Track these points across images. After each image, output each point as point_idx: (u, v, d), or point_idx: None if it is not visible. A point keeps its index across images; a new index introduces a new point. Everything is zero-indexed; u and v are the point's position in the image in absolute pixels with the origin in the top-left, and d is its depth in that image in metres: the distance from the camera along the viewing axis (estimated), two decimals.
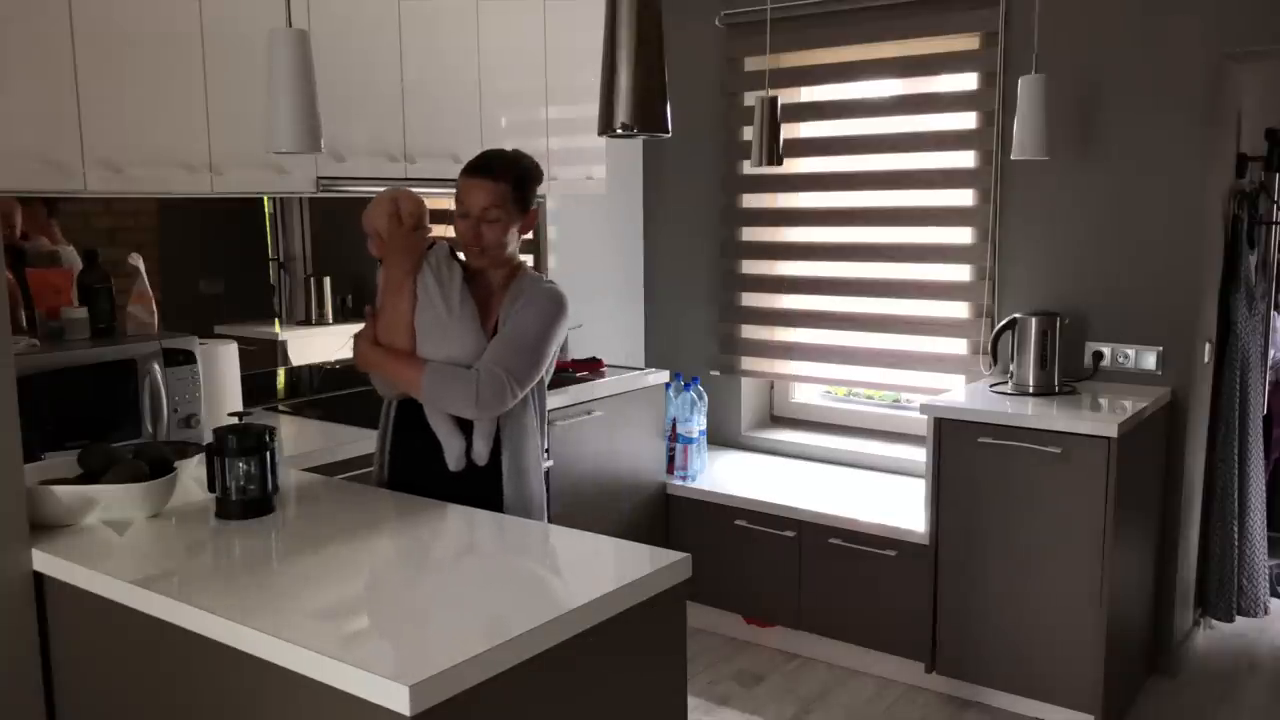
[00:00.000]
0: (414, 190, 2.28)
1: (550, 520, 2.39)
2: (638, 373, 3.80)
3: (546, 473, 2.44)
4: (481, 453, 2.23)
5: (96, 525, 1.99)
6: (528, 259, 2.49)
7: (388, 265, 2.22)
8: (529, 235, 2.37)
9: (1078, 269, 3.55)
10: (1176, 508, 3.49)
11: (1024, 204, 3.61)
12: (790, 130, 3.94)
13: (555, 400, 3.24)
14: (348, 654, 1.42)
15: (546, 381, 2.33)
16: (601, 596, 1.63)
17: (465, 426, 2.23)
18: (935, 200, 3.77)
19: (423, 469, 2.26)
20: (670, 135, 1.79)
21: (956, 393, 3.56)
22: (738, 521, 3.75)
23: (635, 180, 4.41)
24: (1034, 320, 3.45)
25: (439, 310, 2.19)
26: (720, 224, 4.27)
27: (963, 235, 3.76)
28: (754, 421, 4.45)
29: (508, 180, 2.22)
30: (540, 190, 2.35)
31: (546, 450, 2.38)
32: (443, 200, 2.56)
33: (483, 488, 2.24)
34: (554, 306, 2.24)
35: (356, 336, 2.30)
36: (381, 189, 3.19)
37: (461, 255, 2.31)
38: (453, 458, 2.23)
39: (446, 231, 2.35)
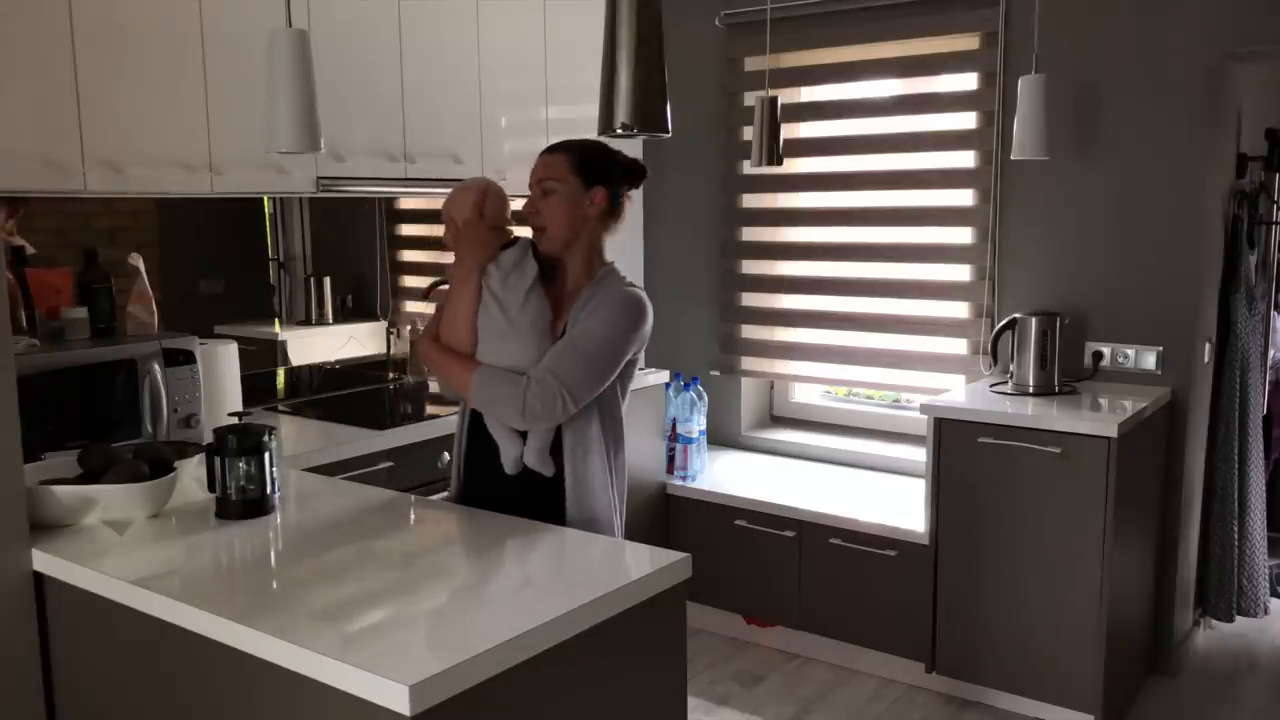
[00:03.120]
0: (499, 187, 2.18)
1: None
2: (638, 373, 3.79)
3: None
4: (535, 460, 2.08)
5: (96, 525, 1.99)
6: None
7: (456, 258, 2.10)
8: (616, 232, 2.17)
9: (1078, 269, 3.55)
10: (1176, 508, 3.49)
11: (1024, 204, 3.61)
12: (790, 130, 3.94)
13: None
14: (348, 654, 1.42)
15: (622, 393, 2.16)
16: (601, 596, 1.63)
17: (523, 431, 2.09)
18: (935, 200, 3.77)
19: (493, 477, 2.15)
20: (670, 135, 1.79)
21: (956, 393, 3.56)
22: (738, 521, 3.75)
23: None
24: (1034, 320, 3.45)
25: (502, 313, 2.06)
26: (720, 224, 4.27)
27: (963, 235, 3.76)
28: (754, 421, 4.45)
29: (569, 151, 2.10)
30: (634, 192, 2.18)
31: (615, 463, 2.17)
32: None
33: (547, 502, 2.11)
34: (628, 310, 2.07)
35: (423, 331, 2.19)
36: (381, 189, 3.21)
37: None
38: (509, 460, 2.10)
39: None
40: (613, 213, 2.14)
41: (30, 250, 2.70)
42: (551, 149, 2.13)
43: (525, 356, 2.04)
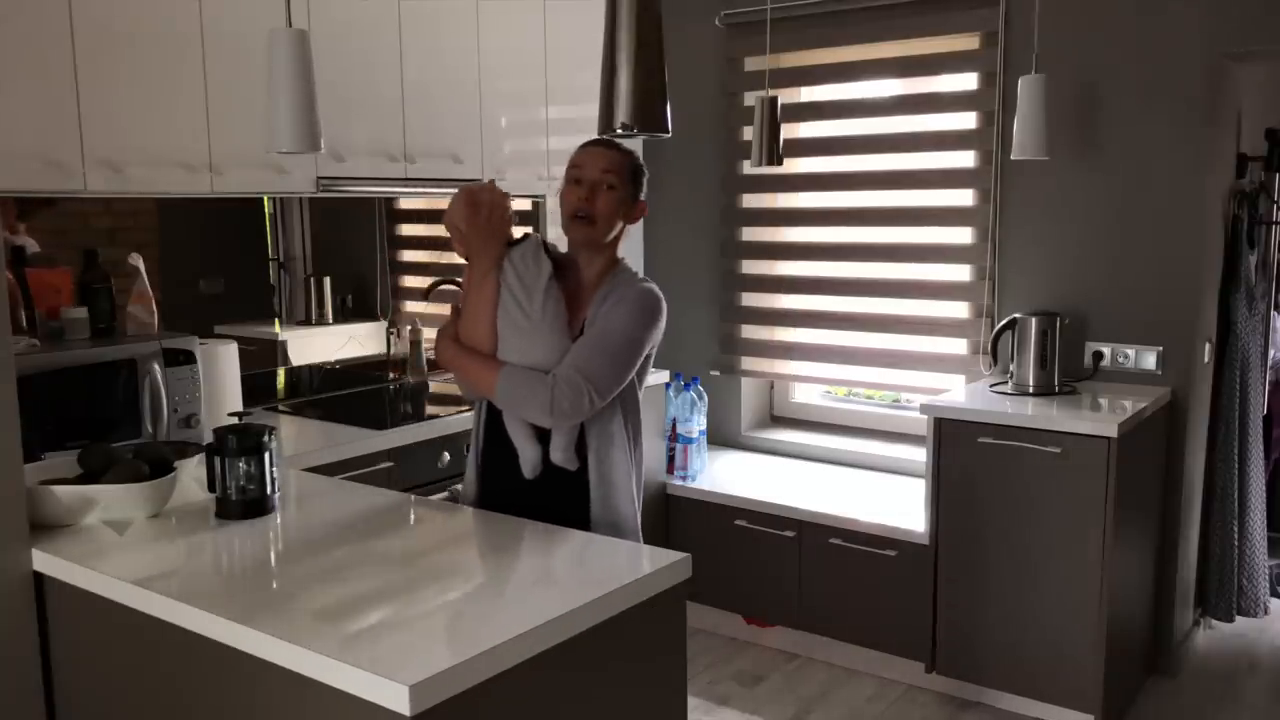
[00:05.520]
0: (494, 188, 2.16)
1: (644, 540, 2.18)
2: None
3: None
4: (561, 457, 2.08)
5: (96, 525, 1.99)
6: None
7: (470, 259, 2.09)
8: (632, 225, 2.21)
9: (1078, 269, 3.55)
10: (1176, 508, 3.49)
11: (1024, 204, 3.61)
12: (790, 130, 3.94)
13: None
14: (348, 654, 1.42)
15: (639, 388, 2.16)
16: (601, 596, 1.63)
17: (543, 434, 2.09)
18: (935, 200, 3.77)
19: (513, 479, 2.14)
20: (670, 135, 1.79)
21: (956, 393, 3.56)
22: (738, 521, 3.75)
23: None
24: (1034, 320, 3.45)
25: (521, 311, 2.05)
26: (720, 224, 4.27)
27: (963, 235, 3.76)
28: (754, 421, 4.45)
29: (631, 157, 2.13)
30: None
31: (638, 461, 2.18)
32: (445, 200, 2.51)
33: (569, 501, 2.11)
34: (647, 307, 2.09)
35: (439, 332, 2.18)
36: (381, 189, 3.22)
37: (557, 248, 2.19)
38: (528, 465, 2.10)
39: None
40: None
41: (34, 249, 2.70)
42: (613, 146, 2.12)
43: (547, 354, 2.04)
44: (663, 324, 2.13)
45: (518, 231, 2.16)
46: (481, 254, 2.07)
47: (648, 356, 2.15)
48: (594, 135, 1.96)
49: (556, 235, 2.26)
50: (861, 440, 4.17)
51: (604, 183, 2.08)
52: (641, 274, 2.17)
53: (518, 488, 2.13)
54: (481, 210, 2.06)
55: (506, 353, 2.06)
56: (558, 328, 2.06)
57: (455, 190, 2.13)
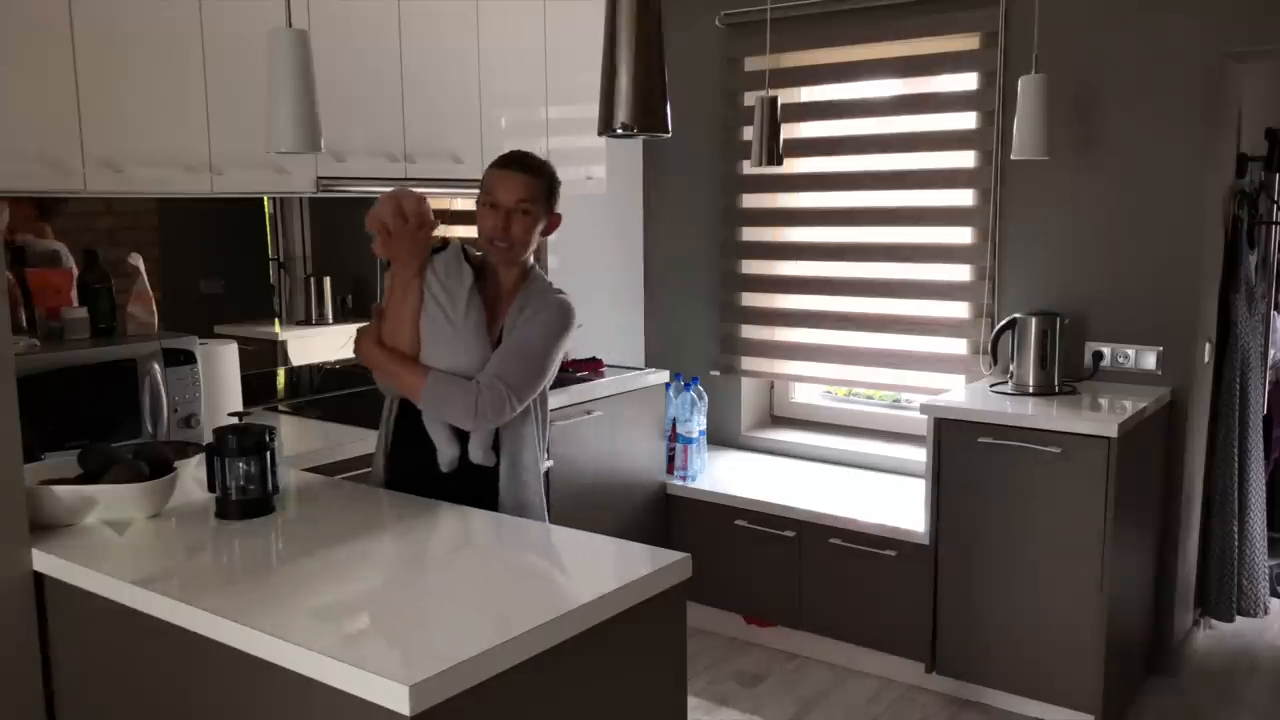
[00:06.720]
0: (417, 190, 2.24)
1: (550, 523, 2.36)
2: (638, 373, 3.80)
3: (546, 474, 2.43)
4: (480, 456, 2.21)
5: (96, 525, 1.99)
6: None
7: (395, 264, 2.19)
8: (547, 238, 2.34)
9: (1078, 269, 3.55)
10: (1176, 508, 3.49)
11: (1024, 204, 3.61)
12: (790, 130, 3.94)
13: (555, 400, 3.24)
14: (348, 654, 1.42)
15: (547, 388, 2.31)
16: (601, 596, 1.63)
17: (461, 433, 2.21)
18: (935, 200, 3.77)
19: (423, 469, 2.25)
20: (670, 135, 1.79)
21: (956, 393, 3.56)
22: (738, 521, 3.75)
23: (635, 180, 4.41)
24: (1034, 320, 3.45)
25: (445, 318, 2.16)
26: (720, 224, 4.27)
27: (963, 235, 3.76)
28: (754, 421, 4.45)
29: (542, 177, 2.22)
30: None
31: (547, 453, 2.35)
32: (444, 200, 2.55)
33: (480, 491, 2.23)
34: (561, 318, 2.22)
35: (359, 332, 2.29)
36: (381, 189, 3.21)
37: (476, 253, 2.29)
38: (445, 461, 2.22)
39: (453, 233, 2.32)
40: None
41: (49, 247, 2.71)
42: (522, 168, 2.21)
43: (470, 359, 2.16)
44: (574, 333, 2.26)
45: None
46: (408, 261, 2.17)
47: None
48: (595, 132, 1.95)
49: None
50: (861, 440, 4.17)
51: (519, 209, 2.18)
52: (555, 284, 2.29)
53: (427, 478, 2.24)
54: (411, 219, 2.13)
55: (431, 356, 2.17)
56: (480, 333, 2.18)
57: (455, 190, 2.15)
